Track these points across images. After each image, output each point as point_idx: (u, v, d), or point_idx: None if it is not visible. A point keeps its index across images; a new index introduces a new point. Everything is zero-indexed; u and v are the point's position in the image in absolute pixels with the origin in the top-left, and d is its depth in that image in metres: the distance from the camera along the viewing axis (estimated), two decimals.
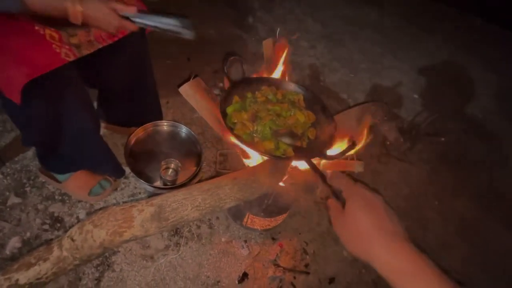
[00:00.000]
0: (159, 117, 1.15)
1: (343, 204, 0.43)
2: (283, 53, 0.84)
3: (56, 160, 0.91)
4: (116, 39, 0.78)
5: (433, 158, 1.54)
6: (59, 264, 0.58)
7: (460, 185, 1.47)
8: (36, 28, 0.63)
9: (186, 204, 0.58)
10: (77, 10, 0.60)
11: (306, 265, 1.00)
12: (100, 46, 0.76)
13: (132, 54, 0.88)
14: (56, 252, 0.59)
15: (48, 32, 0.65)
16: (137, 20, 0.68)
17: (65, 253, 0.58)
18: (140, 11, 0.68)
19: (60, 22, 0.63)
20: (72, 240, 0.59)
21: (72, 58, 0.69)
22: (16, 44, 0.61)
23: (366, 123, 0.86)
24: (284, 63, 0.85)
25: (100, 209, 0.95)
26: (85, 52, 0.73)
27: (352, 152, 0.66)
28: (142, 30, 0.85)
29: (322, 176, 0.51)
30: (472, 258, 1.19)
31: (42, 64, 0.64)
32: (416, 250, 0.37)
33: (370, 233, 0.39)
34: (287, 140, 0.69)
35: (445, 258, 1.16)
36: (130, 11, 0.66)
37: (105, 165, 0.98)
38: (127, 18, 0.67)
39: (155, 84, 1.05)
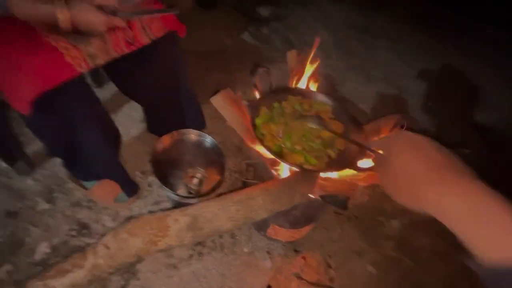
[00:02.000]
0: (202, 123, 1.13)
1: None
2: (313, 66, 0.85)
3: (78, 169, 0.93)
4: (134, 48, 0.78)
5: None
6: (94, 271, 0.59)
7: None
8: (48, 40, 0.63)
9: (219, 214, 0.58)
10: (65, 14, 0.59)
11: (331, 279, 0.97)
12: (117, 55, 0.76)
13: (163, 64, 0.89)
14: (91, 259, 0.59)
15: (61, 44, 0.64)
16: (124, 14, 0.66)
17: (100, 261, 0.59)
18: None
19: (72, 32, 0.63)
20: (107, 247, 0.59)
21: (85, 69, 0.68)
22: (26, 57, 0.61)
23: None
24: (314, 75, 0.85)
25: (131, 217, 0.96)
26: (101, 62, 0.72)
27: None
28: (173, 39, 0.87)
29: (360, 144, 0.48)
30: None
31: (53, 77, 0.63)
32: (487, 187, 0.30)
33: (422, 174, 0.32)
34: (312, 124, 0.71)
35: (474, 272, 1.11)
36: (111, 2, 0.64)
37: (117, 179, 0.97)
38: (114, 14, 0.65)
39: (193, 93, 1.04)
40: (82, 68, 0.67)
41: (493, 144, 1.72)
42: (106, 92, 1.35)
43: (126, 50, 0.76)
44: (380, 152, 0.40)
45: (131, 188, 0.99)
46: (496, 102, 2.01)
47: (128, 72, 0.90)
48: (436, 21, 2.62)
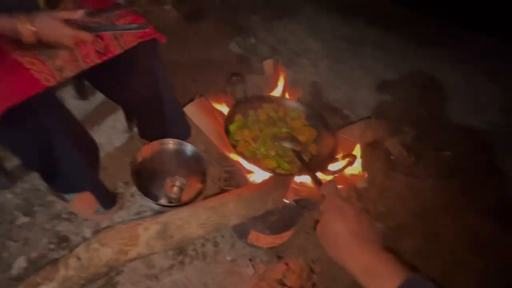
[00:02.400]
0: (186, 131, 1.14)
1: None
2: (283, 74, 0.87)
3: (56, 182, 0.93)
4: (105, 58, 0.78)
5: (441, 172, 1.51)
6: (65, 283, 0.59)
7: (472, 199, 1.44)
8: (13, 56, 0.64)
9: (190, 221, 0.59)
10: (29, 29, 0.59)
11: (313, 285, 0.97)
12: (87, 66, 0.76)
13: (142, 72, 0.89)
14: (62, 271, 0.59)
15: (26, 59, 0.65)
16: (93, 28, 0.67)
17: (71, 272, 0.59)
18: (90, 13, 0.66)
19: (39, 45, 0.64)
20: (78, 259, 0.59)
21: (52, 83, 0.68)
22: None
23: (367, 139, 0.87)
24: (284, 82, 0.87)
25: (107, 227, 0.95)
26: (69, 74, 0.73)
27: (352, 167, 0.66)
28: (151, 47, 0.88)
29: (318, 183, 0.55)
30: (489, 276, 1.14)
31: (20, 92, 0.63)
32: (382, 249, 0.41)
33: (341, 238, 0.43)
34: (287, 144, 0.71)
35: (461, 275, 1.12)
36: (77, 15, 0.63)
37: (93, 192, 0.96)
38: (85, 28, 0.65)
39: (176, 102, 1.03)
40: (50, 81, 0.67)
41: (478, 145, 1.76)
42: (91, 104, 1.36)
43: (97, 61, 0.76)
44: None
45: (107, 201, 0.99)
46: (482, 104, 2.07)
47: (110, 81, 0.91)
48: (423, 28, 2.70)
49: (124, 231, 0.58)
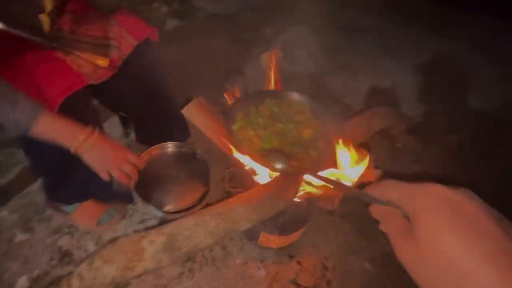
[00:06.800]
0: (185, 132, 1.12)
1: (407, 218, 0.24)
2: (275, 64, 0.83)
3: (65, 190, 0.88)
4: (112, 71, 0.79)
5: (449, 157, 1.48)
6: None
7: (485, 184, 1.40)
8: (57, 55, 0.67)
9: (198, 230, 0.55)
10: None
11: (328, 282, 0.94)
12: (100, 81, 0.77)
13: (139, 72, 0.87)
14: None
15: (68, 58, 0.68)
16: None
17: None
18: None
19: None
20: (81, 278, 0.55)
21: (91, 81, 0.71)
22: (45, 70, 0.65)
23: (375, 128, 0.83)
24: (275, 72, 0.83)
25: (111, 241, 0.92)
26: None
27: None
28: (146, 47, 0.85)
29: (342, 185, 0.43)
30: None
31: (70, 85, 0.67)
32: None
33: (469, 265, 0.20)
34: (279, 164, 0.66)
35: None
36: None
37: (111, 195, 0.94)
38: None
39: (173, 97, 1.01)
40: (89, 80, 0.69)
41: (487, 128, 1.72)
42: None
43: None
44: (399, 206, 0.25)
45: (129, 196, 0.98)
46: (490, 88, 2.02)
47: (108, 88, 0.87)
48: (423, 13, 2.64)
49: (127, 246, 0.54)
